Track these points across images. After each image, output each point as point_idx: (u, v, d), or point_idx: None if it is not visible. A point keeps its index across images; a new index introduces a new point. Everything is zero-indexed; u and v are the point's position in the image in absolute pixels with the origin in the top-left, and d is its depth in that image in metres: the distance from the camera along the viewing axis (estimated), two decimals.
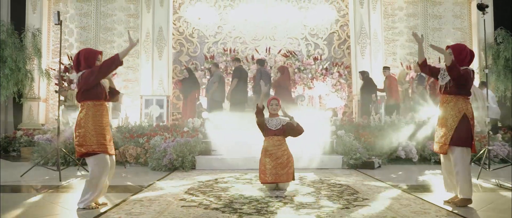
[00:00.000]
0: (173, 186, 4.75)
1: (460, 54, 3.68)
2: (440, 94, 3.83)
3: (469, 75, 3.66)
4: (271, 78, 8.92)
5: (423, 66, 3.88)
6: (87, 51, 3.67)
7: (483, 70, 6.05)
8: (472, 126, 3.66)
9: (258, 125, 4.60)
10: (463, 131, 3.60)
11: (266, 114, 4.68)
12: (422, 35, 3.99)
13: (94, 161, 3.53)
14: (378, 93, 9.37)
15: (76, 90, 3.81)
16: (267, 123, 4.59)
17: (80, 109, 3.61)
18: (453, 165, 3.67)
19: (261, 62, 8.83)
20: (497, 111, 8.80)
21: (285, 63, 10.57)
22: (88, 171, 3.65)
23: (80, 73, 3.56)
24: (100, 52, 3.74)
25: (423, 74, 8.96)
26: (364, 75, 9.38)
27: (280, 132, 4.53)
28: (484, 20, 5.79)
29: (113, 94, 3.80)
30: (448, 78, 3.68)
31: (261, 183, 4.49)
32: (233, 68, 9.04)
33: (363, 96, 9.37)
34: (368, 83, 9.30)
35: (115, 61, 3.55)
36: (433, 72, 3.89)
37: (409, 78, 10.14)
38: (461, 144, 3.60)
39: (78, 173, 5.89)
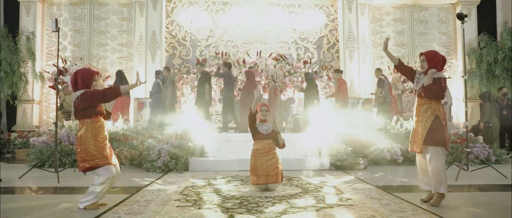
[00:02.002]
0: (168, 187, 4.98)
1: (433, 61, 3.99)
2: (416, 97, 4.12)
3: (441, 83, 3.94)
4: (235, 82, 9.46)
5: (400, 67, 4.21)
6: (85, 72, 3.90)
7: (462, 77, 6.34)
8: (445, 126, 3.95)
9: (249, 128, 4.86)
10: (436, 131, 3.89)
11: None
12: (387, 38, 4.36)
13: (103, 171, 3.78)
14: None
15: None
16: (258, 127, 4.85)
17: (79, 126, 3.84)
18: (428, 163, 3.96)
19: (228, 65, 9.16)
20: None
21: (276, 66, 10.84)
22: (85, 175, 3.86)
23: (79, 93, 3.78)
24: (97, 73, 3.99)
25: (383, 78, 9.36)
26: (308, 77, 9.35)
27: (270, 136, 4.81)
28: (463, 29, 6.08)
29: (108, 115, 4.06)
30: (422, 83, 3.98)
31: (252, 184, 4.76)
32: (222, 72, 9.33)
33: (306, 99, 9.21)
34: (311, 86, 9.21)
35: (116, 93, 3.91)
36: (409, 72, 4.19)
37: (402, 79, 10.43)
38: (434, 144, 3.89)
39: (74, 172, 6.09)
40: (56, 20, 5.76)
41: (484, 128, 8.90)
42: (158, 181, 5.47)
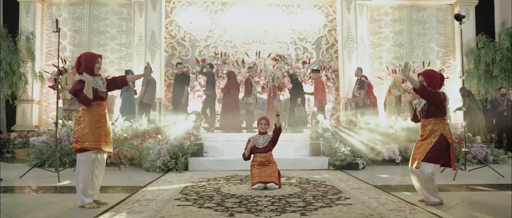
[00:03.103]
0: (168, 186, 5.02)
1: (432, 80, 4.01)
2: (421, 119, 4.12)
3: (440, 96, 3.97)
4: (216, 83, 9.71)
5: (421, 91, 3.93)
6: (88, 55, 3.95)
7: (460, 77, 6.39)
8: (451, 144, 3.95)
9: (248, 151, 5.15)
10: (440, 150, 3.89)
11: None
12: (406, 63, 4.32)
13: (79, 157, 3.81)
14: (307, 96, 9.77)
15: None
16: (256, 144, 5.12)
17: (80, 106, 3.88)
18: (417, 179, 4.01)
19: (211, 65, 9.42)
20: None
21: (275, 66, 10.88)
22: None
23: (79, 77, 3.82)
24: (100, 56, 4.00)
25: (364, 79, 9.30)
26: (293, 78, 9.46)
27: (266, 148, 5.09)
28: (461, 30, 6.15)
29: (116, 82, 4.09)
30: (424, 102, 4.02)
31: (252, 185, 4.85)
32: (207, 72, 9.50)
33: (291, 99, 9.38)
34: (296, 87, 9.36)
35: (123, 81, 4.13)
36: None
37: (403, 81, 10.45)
38: (439, 162, 3.92)
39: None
40: (57, 20, 5.80)
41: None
42: (158, 181, 5.51)
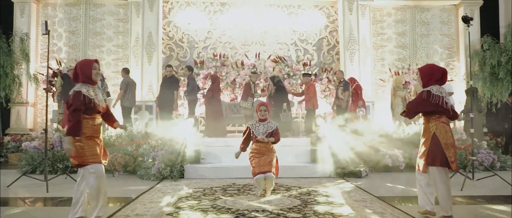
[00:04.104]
0: (161, 198, 4.77)
1: (431, 76, 3.80)
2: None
3: (420, 100, 3.77)
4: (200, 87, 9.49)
5: (408, 112, 3.99)
6: (83, 63, 3.67)
7: (468, 82, 6.13)
8: (450, 144, 3.70)
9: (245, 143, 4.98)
10: (434, 151, 3.69)
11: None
12: None
13: (91, 170, 3.53)
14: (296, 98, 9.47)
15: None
16: (254, 130, 4.85)
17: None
18: (432, 184, 3.77)
19: (190, 68, 9.09)
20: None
21: (275, 69, 10.63)
22: (75, 181, 3.62)
23: (73, 91, 3.56)
24: (96, 60, 3.71)
25: (348, 81, 9.00)
26: (275, 80, 8.90)
27: (267, 137, 4.84)
28: (469, 32, 5.87)
29: (109, 117, 3.84)
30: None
31: (253, 176, 4.82)
32: (185, 77, 9.27)
33: (275, 104, 8.62)
34: (279, 90, 8.76)
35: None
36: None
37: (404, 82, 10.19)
38: (436, 164, 3.69)
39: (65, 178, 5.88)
40: (46, 22, 5.52)
41: (464, 121, 8.90)
42: (152, 191, 5.26)
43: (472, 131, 6.01)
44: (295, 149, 7.51)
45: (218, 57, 10.81)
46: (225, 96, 10.47)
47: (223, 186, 5.61)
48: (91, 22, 10.88)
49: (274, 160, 4.90)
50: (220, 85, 9.51)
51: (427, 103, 3.72)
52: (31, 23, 10.45)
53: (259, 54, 10.92)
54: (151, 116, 9.52)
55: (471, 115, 6.07)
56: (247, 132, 4.95)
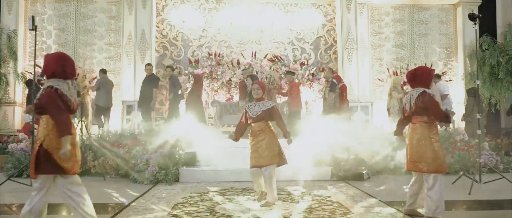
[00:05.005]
0: (155, 205, 4.49)
1: (412, 79, 3.85)
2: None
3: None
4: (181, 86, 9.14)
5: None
6: (66, 58, 3.33)
7: (475, 82, 5.94)
8: (439, 146, 3.73)
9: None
10: (431, 156, 3.67)
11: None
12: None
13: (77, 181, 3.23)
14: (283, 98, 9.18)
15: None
16: (249, 110, 4.57)
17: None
18: (426, 189, 3.74)
19: (171, 68, 8.91)
20: None
21: (272, 68, 10.37)
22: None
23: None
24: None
25: (335, 81, 8.33)
26: (253, 79, 8.55)
27: (259, 118, 4.49)
28: (476, 30, 5.74)
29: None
30: (414, 99, 3.77)
31: (251, 167, 4.48)
32: (168, 77, 8.94)
33: None
34: None
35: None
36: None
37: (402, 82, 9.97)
38: (433, 171, 3.66)
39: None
40: (33, 17, 5.23)
41: (466, 122, 8.83)
42: (145, 196, 4.97)
43: (478, 132, 5.81)
44: (294, 150, 7.24)
45: (213, 56, 10.51)
46: (221, 96, 10.19)
47: (221, 190, 5.34)
48: (82, 19, 10.53)
49: (277, 148, 4.50)
50: (217, 85, 9.24)
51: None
52: (19, 20, 10.06)
53: (255, 53, 10.65)
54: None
55: (478, 116, 5.88)
56: (243, 114, 4.67)
